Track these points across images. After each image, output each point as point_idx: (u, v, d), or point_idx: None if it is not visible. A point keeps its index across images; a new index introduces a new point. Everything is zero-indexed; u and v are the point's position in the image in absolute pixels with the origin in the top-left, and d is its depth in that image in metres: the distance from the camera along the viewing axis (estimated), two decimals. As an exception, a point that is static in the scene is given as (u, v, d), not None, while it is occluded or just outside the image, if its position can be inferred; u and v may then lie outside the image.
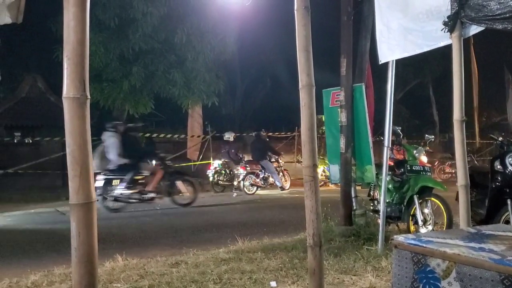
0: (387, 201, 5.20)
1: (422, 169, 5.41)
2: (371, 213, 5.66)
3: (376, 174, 5.41)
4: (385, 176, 4.63)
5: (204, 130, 15.31)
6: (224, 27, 12.22)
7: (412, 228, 5.25)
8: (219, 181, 12.72)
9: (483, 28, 3.35)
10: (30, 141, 15.06)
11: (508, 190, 4.47)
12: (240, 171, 12.21)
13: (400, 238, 1.91)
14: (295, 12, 2.47)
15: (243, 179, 12.01)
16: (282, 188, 12.61)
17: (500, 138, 5.20)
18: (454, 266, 1.63)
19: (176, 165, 11.30)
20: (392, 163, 5.54)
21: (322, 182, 12.44)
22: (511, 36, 13.05)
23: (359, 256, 4.26)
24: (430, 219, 5.12)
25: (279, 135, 16.84)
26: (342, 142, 5.38)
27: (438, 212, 5.13)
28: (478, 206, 4.82)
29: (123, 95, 11.83)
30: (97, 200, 8.44)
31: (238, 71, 20.07)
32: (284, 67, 17.75)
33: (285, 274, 3.78)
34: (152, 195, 8.91)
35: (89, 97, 1.75)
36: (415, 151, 5.58)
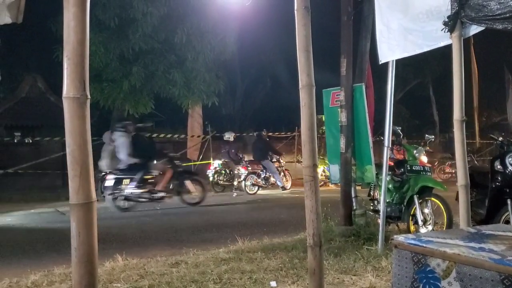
0: (387, 201, 5.20)
1: (422, 169, 5.41)
2: (371, 213, 5.66)
3: (376, 174, 5.41)
4: (385, 176, 4.63)
5: (204, 130, 15.31)
6: (224, 27, 12.22)
7: (412, 228, 5.24)
8: (219, 181, 12.73)
9: (483, 28, 3.35)
10: (30, 141, 15.06)
11: (508, 190, 4.47)
12: (242, 171, 12.22)
13: (400, 238, 1.91)
14: (295, 12, 2.47)
15: (244, 179, 12.00)
16: (284, 188, 12.61)
17: (500, 138, 5.19)
18: (454, 266, 1.63)
19: (184, 164, 11.31)
20: (392, 163, 5.54)
21: (322, 182, 12.43)
22: (511, 36, 13.04)
23: (359, 256, 4.26)
24: (430, 219, 5.12)
25: (279, 135, 16.83)
26: (342, 142, 5.38)
27: (438, 212, 5.13)
28: (478, 206, 4.82)
29: (123, 95, 11.83)
30: (107, 198, 8.51)
31: (238, 71, 20.07)
32: (284, 67, 17.77)
33: (285, 274, 3.78)
34: (161, 194, 8.96)
35: (89, 97, 1.75)
36: (415, 151, 5.57)
